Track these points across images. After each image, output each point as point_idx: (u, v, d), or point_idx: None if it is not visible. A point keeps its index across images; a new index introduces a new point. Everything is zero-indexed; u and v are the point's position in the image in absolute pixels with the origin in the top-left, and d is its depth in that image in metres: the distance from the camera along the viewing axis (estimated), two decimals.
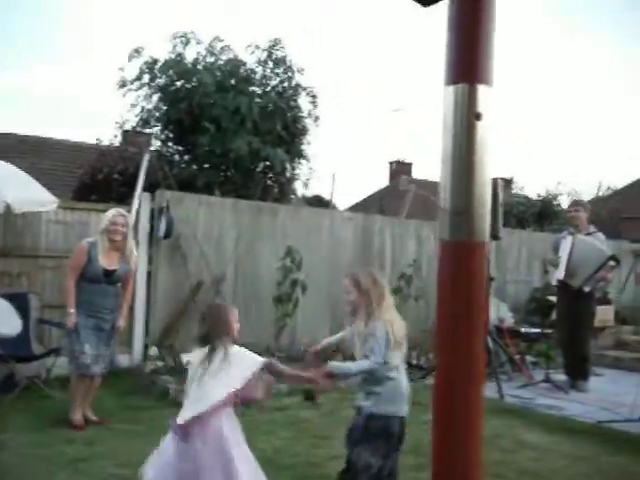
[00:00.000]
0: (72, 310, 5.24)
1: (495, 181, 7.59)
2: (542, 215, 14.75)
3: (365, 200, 28.96)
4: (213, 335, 3.18)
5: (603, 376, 8.19)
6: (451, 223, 1.66)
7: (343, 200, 39.90)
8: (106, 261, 5.38)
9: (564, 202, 16.03)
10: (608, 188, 24.24)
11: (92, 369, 5.28)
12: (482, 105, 1.64)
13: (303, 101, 11.51)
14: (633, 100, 57.67)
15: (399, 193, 27.80)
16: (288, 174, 11.55)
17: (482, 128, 1.64)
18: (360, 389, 3.41)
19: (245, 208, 8.62)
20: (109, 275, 5.39)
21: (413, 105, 55.72)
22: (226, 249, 8.32)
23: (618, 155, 55.47)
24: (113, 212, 5.51)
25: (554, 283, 7.64)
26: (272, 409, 6.00)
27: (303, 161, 11.69)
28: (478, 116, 1.63)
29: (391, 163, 30.18)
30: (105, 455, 4.48)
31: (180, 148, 11.17)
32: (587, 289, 7.20)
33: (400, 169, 29.70)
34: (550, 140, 51.01)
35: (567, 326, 7.37)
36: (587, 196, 21.95)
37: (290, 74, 11.37)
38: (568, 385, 7.32)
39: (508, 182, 19.03)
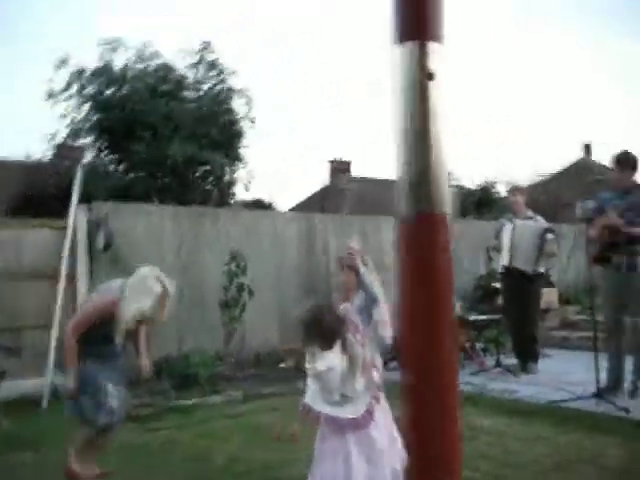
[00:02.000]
0: None
1: None
2: (481, 203, 14.98)
3: (306, 200, 28.97)
4: (341, 331, 3.14)
5: (551, 357, 8.33)
6: (407, 196, 1.55)
7: (284, 201, 39.81)
8: None
9: (502, 190, 16.30)
10: (543, 174, 24.74)
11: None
12: (434, 63, 1.52)
13: (237, 103, 11.41)
14: (568, 84, 59.30)
15: (340, 191, 27.92)
16: (227, 178, 11.42)
17: (435, 88, 1.53)
18: None
19: (185, 215, 8.46)
20: None
21: (348, 100, 56.01)
22: (168, 257, 8.14)
23: (554, 140, 56.82)
24: None
25: (499, 270, 7.75)
26: (225, 416, 5.91)
27: (241, 164, 11.60)
28: (430, 76, 1.51)
29: (331, 162, 30.20)
30: None
31: (115, 157, 10.93)
32: (542, 270, 7.33)
33: (339, 167, 29.77)
34: (488, 128, 51.98)
35: (515, 310, 7.48)
36: (524, 183, 22.35)
37: (223, 77, 11.27)
38: (519, 368, 7.42)
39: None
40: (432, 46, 1.53)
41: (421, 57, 1.52)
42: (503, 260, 7.50)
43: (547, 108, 58.86)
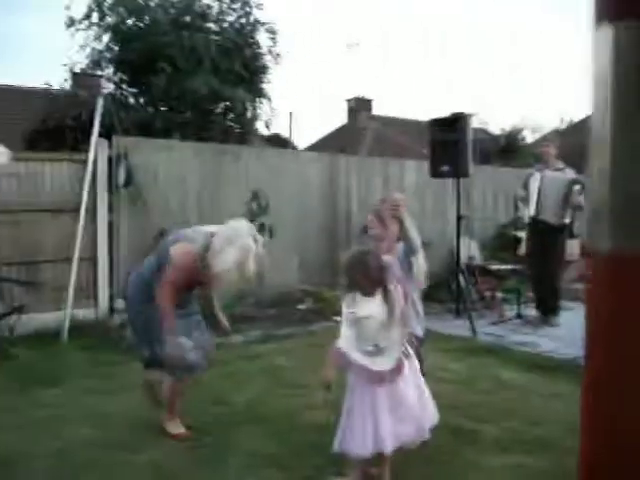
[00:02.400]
0: None
1: (465, 116, 7.45)
2: (506, 150, 14.68)
3: (324, 138, 28.63)
4: (384, 280, 3.17)
5: (572, 310, 8.24)
6: (611, 226, 1.15)
7: (302, 138, 39.51)
8: None
9: (528, 137, 15.96)
10: (571, 121, 24.16)
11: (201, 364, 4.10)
12: None
13: (262, 38, 11.08)
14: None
15: (359, 130, 27.52)
16: (249, 114, 11.18)
17: None
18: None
19: (207, 151, 8.32)
20: None
21: (369, 39, 54.80)
22: (189, 195, 8.05)
23: (578, 87, 55.54)
24: None
25: (526, 220, 7.60)
26: (245, 358, 5.91)
27: (264, 100, 11.33)
28: None
29: (349, 100, 29.67)
30: (78, 417, 4.31)
31: (135, 90, 10.69)
32: (567, 221, 7.21)
33: (359, 106, 29.26)
34: (515, 73, 50.78)
35: (539, 261, 7.37)
36: (551, 129, 21.92)
37: (248, 9, 10.91)
38: (540, 320, 7.36)
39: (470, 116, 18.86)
40: None
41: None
42: (530, 211, 7.35)
43: (572, 52, 57.32)
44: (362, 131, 27.54)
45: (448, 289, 8.11)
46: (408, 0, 54.08)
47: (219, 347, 6.22)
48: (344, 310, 3.20)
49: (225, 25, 10.73)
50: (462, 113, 7.60)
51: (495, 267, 8.52)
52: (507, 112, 43.32)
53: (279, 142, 22.28)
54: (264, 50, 11.08)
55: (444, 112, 7.80)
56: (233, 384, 5.06)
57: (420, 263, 3.64)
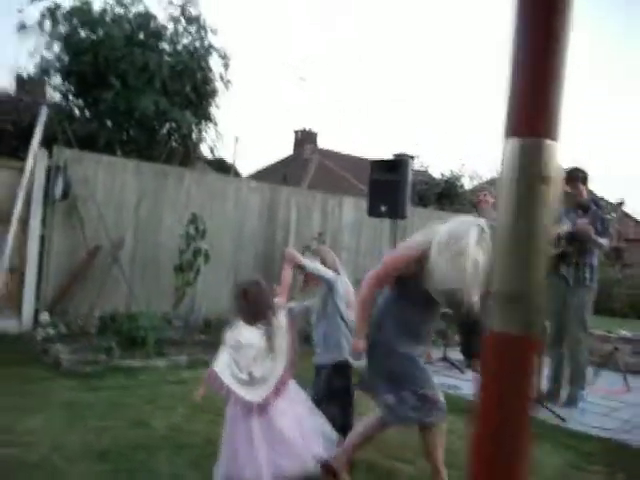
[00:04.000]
0: None
1: (406, 160, 7.63)
2: (444, 195, 15.05)
3: (268, 167, 28.74)
4: (267, 311, 3.29)
5: None
6: (502, 309, 1.40)
7: (246, 165, 39.42)
8: None
9: (466, 184, 16.40)
10: None
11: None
12: (549, 166, 1.36)
13: (214, 63, 11.15)
14: None
15: (303, 162, 27.76)
16: (195, 137, 11.19)
17: (549, 197, 1.36)
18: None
19: (148, 171, 8.28)
20: None
21: (319, 74, 55.50)
22: (126, 213, 7.97)
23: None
24: None
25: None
26: (170, 382, 5.84)
27: (210, 125, 11.36)
28: (546, 180, 1.35)
29: (296, 132, 29.98)
30: None
31: (81, 103, 10.57)
32: None
33: (305, 138, 29.58)
34: (455, 120, 52.28)
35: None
36: (489, 177, 22.58)
37: (203, 33, 10.97)
38: (465, 364, 7.52)
39: (412, 158, 19.29)
40: (550, 144, 1.37)
41: (536, 156, 1.37)
42: None
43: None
44: (306, 162, 27.81)
45: None
46: (361, 38, 55.23)
47: (143, 371, 6.18)
48: (227, 334, 3.27)
49: (179, 47, 10.76)
50: (404, 156, 7.78)
51: None
52: (447, 157, 44.43)
53: (223, 167, 22.22)
54: (215, 75, 11.14)
55: (385, 151, 8.00)
56: (155, 408, 4.99)
57: (343, 289, 3.87)
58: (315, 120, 54.17)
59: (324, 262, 4.03)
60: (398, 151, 8.15)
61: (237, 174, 25.71)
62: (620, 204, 7.68)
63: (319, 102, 49.15)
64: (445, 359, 7.55)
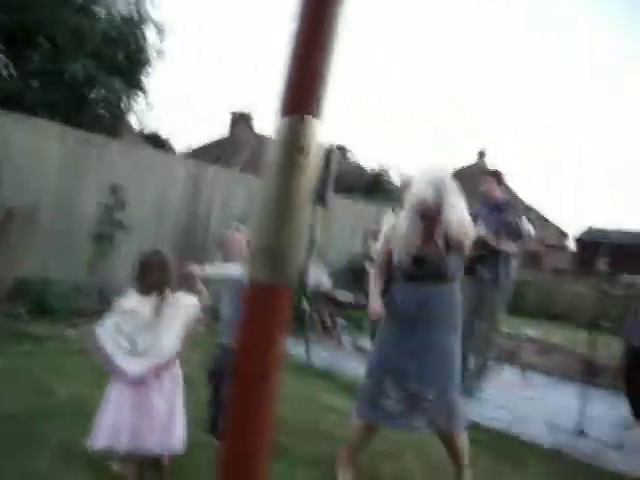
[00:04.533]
0: None
1: (330, 149, 7.72)
2: (371, 188, 15.27)
3: (204, 147, 28.45)
4: (162, 284, 3.19)
5: None
6: (260, 261, 1.61)
7: (181, 143, 38.85)
8: None
9: (394, 177, 16.65)
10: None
11: None
12: (309, 141, 1.59)
13: (150, 33, 10.95)
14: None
15: (238, 143, 27.59)
16: (123, 106, 10.97)
17: (307, 167, 1.59)
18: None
19: (73, 137, 8.07)
20: None
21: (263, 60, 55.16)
22: (46, 179, 7.77)
23: (450, 138, 58.78)
24: None
25: (373, 254, 7.96)
26: (77, 352, 5.77)
27: (141, 94, 11.16)
28: (303, 150, 1.58)
29: (233, 113, 29.77)
30: None
31: (6, 60, 10.21)
32: None
33: (241, 120, 29.40)
34: (387, 114, 53.00)
35: None
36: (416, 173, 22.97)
37: (139, 2, 10.77)
38: None
39: (344, 150, 19.46)
40: (310, 122, 1.58)
41: (297, 131, 1.58)
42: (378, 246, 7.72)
43: (452, 112, 60.66)
44: (241, 145, 27.63)
45: (295, 312, 8.29)
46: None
47: (51, 339, 6.07)
48: (118, 300, 3.23)
49: (114, 13, 10.53)
50: (330, 146, 7.87)
51: (340, 296, 8.83)
52: (379, 151, 45.03)
53: (157, 142, 21.86)
54: (149, 45, 10.96)
55: (324, 140, 8.05)
56: (59, 377, 4.93)
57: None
58: (254, 103, 53.92)
59: (230, 252, 4.08)
60: (336, 142, 8.27)
61: (172, 150, 25.32)
62: (529, 209, 8.02)
63: (259, 84, 48.82)
64: (355, 345, 7.71)
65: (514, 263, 6.45)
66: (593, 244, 26.09)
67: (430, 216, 3.59)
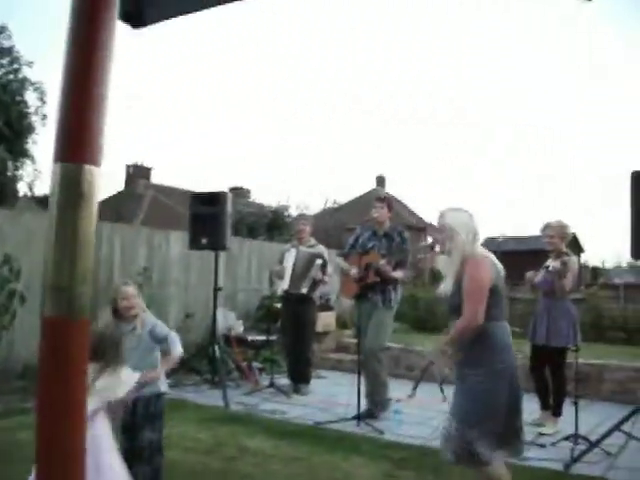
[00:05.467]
0: None
1: (225, 193, 7.81)
2: (273, 226, 15.38)
3: (100, 203, 27.86)
4: (109, 357, 3.25)
5: (326, 378, 8.75)
6: (52, 298, 1.74)
7: None
8: None
9: (294, 214, 16.83)
10: (334, 202, 26.28)
11: None
12: (88, 185, 1.71)
13: (30, 97, 10.74)
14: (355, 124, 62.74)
15: (136, 198, 27.20)
16: (10, 174, 10.67)
17: (87, 208, 1.72)
18: None
19: None
20: None
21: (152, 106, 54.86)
22: None
23: (345, 173, 60.18)
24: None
25: (279, 293, 8.05)
26: None
27: (27, 161, 10.91)
28: (81, 195, 1.71)
29: (128, 166, 29.37)
30: None
31: None
32: (304, 291, 7.68)
33: (138, 173, 29.05)
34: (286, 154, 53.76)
35: (291, 332, 7.80)
36: (315, 209, 23.49)
37: (17, 66, 10.56)
38: (291, 389, 7.71)
39: (243, 191, 19.54)
40: (89, 169, 1.72)
41: (78, 180, 1.72)
42: (284, 284, 7.80)
43: (347, 141, 62.17)
44: (139, 198, 27.25)
45: (208, 359, 8.21)
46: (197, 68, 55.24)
47: None
48: None
49: None
50: (222, 191, 7.96)
51: (252, 337, 8.82)
52: (278, 189, 45.55)
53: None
54: (31, 109, 10.75)
55: (222, 184, 8.11)
56: None
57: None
58: (149, 154, 53.35)
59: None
60: (234, 184, 8.31)
61: None
62: (431, 247, 8.37)
63: (153, 136, 48.46)
64: (272, 385, 7.69)
65: (400, 288, 6.75)
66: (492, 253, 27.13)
67: None
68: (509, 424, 3.48)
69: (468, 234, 3.57)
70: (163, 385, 3.97)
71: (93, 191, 1.74)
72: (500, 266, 3.67)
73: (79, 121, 1.70)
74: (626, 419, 5.41)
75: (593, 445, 5.32)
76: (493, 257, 3.64)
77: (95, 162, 1.72)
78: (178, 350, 3.93)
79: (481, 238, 3.72)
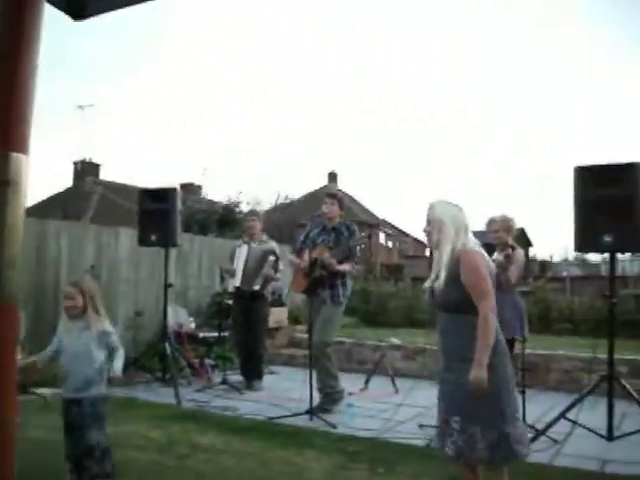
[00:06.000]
0: None
1: (174, 189, 7.74)
2: (223, 222, 15.28)
3: (44, 201, 27.28)
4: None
5: (278, 374, 8.78)
6: None
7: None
8: None
9: (245, 210, 16.77)
10: (286, 197, 26.25)
11: None
12: (15, 173, 1.74)
13: None
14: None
15: (85, 195, 26.69)
16: None
17: (15, 194, 1.76)
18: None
19: None
20: None
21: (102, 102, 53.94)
22: None
23: (298, 168, 60.21)
24: None
25: (230, 290, 8.03)
26: None
27: None
28: (6, 183, 1.73)
29: (76, 163, 28.76)
30: None
31: None
32: (257, 287, 7.68)
33: (86, 169, 28.50)
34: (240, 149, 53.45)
35: (242, 328, 7.79)
36: (267, 205, 23.43)
37: None
38: (244, 385, 7.71)
39: (194, 188, 19.33)
40: (15, 156, 1.76)
41: (3, 166, 1.75)
42: (235, 281, 7.78)
43: (299, 138, 62.17)
44: (88, 196, 26.76)
45: (159, 357, 8.14)
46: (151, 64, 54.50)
47: None
48: None
49: None
50: (172, 187, 7.88)
51: (204, 334, 8.78)
52: (229, 185, 45.22)
53: None
54: None
55: (173, 180, 8.04)
56: None
57: None
58: (99, 151, 52.42)
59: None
60: (185, 180, 8.19)
61: None
62: (369, 237, 8.43)
63: (104, 132, 47.65)
64: (225, 382, 7.68)
65: (349, 283, 6.77)
66: None
67: None
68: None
69: (458, 227, 3.51)
70: (104, 389, 3.93)
71: (21, 178, 1.75)
72: (490, 260, 3.71)
73: (5, 110, 1.73)
74: (571, 407, 5.58)
75: (540, 433, 5.48)
76: (484, 251, 3.65)
77: (23, 150, 1.75)
78: (119, 368, 3.86)
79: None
